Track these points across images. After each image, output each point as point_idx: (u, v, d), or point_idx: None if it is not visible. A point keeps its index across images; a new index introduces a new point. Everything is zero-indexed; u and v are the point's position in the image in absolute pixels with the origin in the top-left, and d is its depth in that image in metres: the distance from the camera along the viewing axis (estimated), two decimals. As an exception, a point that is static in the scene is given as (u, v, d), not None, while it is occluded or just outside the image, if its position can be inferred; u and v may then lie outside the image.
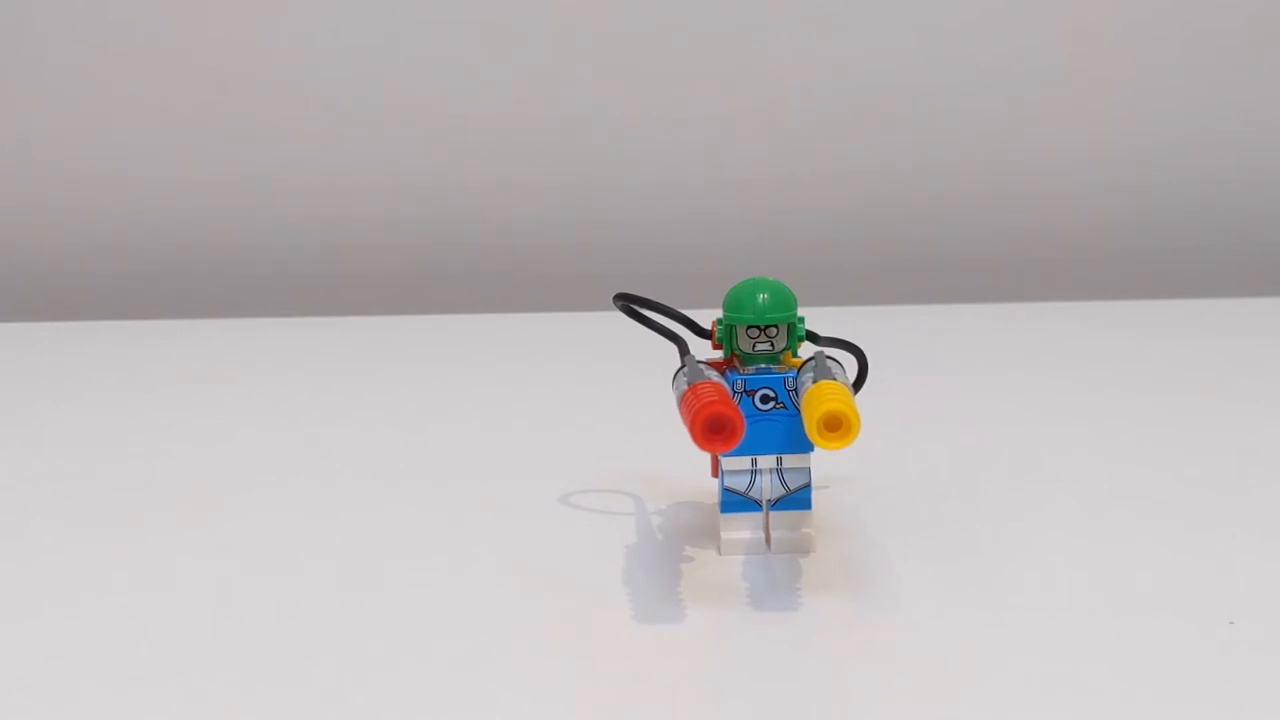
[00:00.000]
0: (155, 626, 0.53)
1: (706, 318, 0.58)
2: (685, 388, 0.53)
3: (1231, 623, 0.51)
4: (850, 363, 0.58)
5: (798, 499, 0.57)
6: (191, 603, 0.55)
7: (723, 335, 0.56)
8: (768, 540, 0.57)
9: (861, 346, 0.59)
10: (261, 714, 0.46)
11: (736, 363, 0.56)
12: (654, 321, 0.59)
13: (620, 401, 0.82)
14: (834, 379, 0.52)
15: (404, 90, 1.19)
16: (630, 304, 0.59)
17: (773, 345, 0.56)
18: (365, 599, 0.55)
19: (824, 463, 0.57)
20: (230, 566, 0.58)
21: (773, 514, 0.57)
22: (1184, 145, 1.20)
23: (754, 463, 0.56)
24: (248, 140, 1.20)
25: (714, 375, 0.54)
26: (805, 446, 0.56)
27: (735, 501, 0.57)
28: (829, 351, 0.56)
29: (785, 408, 0.56)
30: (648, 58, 1.19)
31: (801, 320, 0.56)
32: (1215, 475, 0.67)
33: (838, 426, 0.50)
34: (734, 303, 0.56)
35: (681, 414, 0.52)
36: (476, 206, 1.21)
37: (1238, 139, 1.20)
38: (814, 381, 0.52)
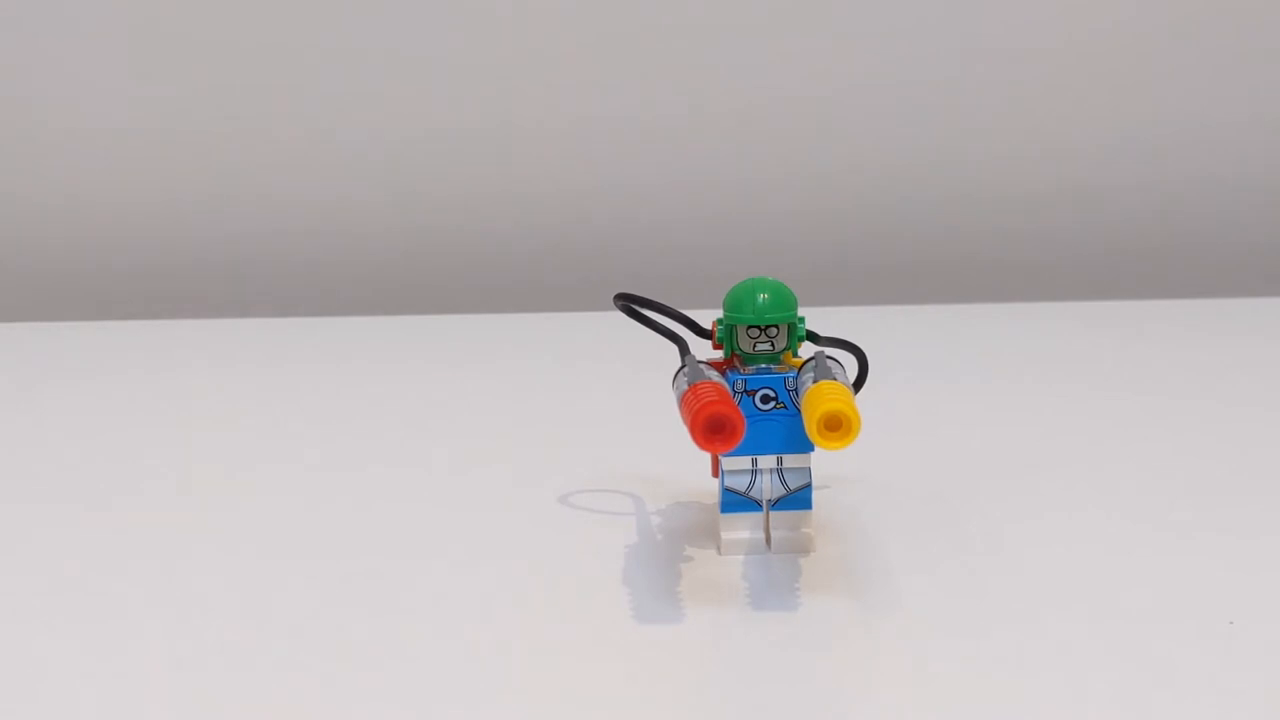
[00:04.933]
0: (148, 623, 0.53)
1: (707, 318, 0.58)
2: (685, 388, 0.53)
3: (1231, 623, 0.51)
4: (850, 363, 0.58)
5: (798, 499, 0.57)
6: (185, 599, 0.55)
7: (723, 335, 0.56)
8: (768, 540, 0.57)
9: (862, 346, 0.59)
10: (257, 713, 0.46)
11: (737, 363, 0.56)
12: (654, 321, 0.59)
13: (620, 401, 0.82)
14: (834, 379, 0.52)
15: (404, 89, 1.19)
16: (630, 304, 0.59)
17: (773, 345, 0.56)
18: (362, 599, 0.55)
19: (824, 463, 0.57)
20: (224, 566, 0.58)
21: (773, 514, 0.57)
22: (1184, 145, 1.20)
23: (754, 463, 0.56)
24: (249, 140, 1.20)
25: (714, 375, 0.54)
26: (805, 446, 0.56)
27: (735, 501, 0.57)
28: (829, 351, 0.56)
29: (785, 408, 0.56)
30: (647, 58, 1.19)
31: (802, 320, 0.56)
32: (1215, 475, 0.67)
33: (838, 426, 0.50)
34: (734, 303, 0.56)
35: (681, 414, 0.52)
36: (476, 206, 1.21)
37: (1238, 139, 1.20)
38: (814, 381, 0.52)
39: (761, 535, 0.57)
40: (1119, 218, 1.21)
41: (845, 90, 1.19)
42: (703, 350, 0.57)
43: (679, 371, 0.55)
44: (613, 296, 0.60)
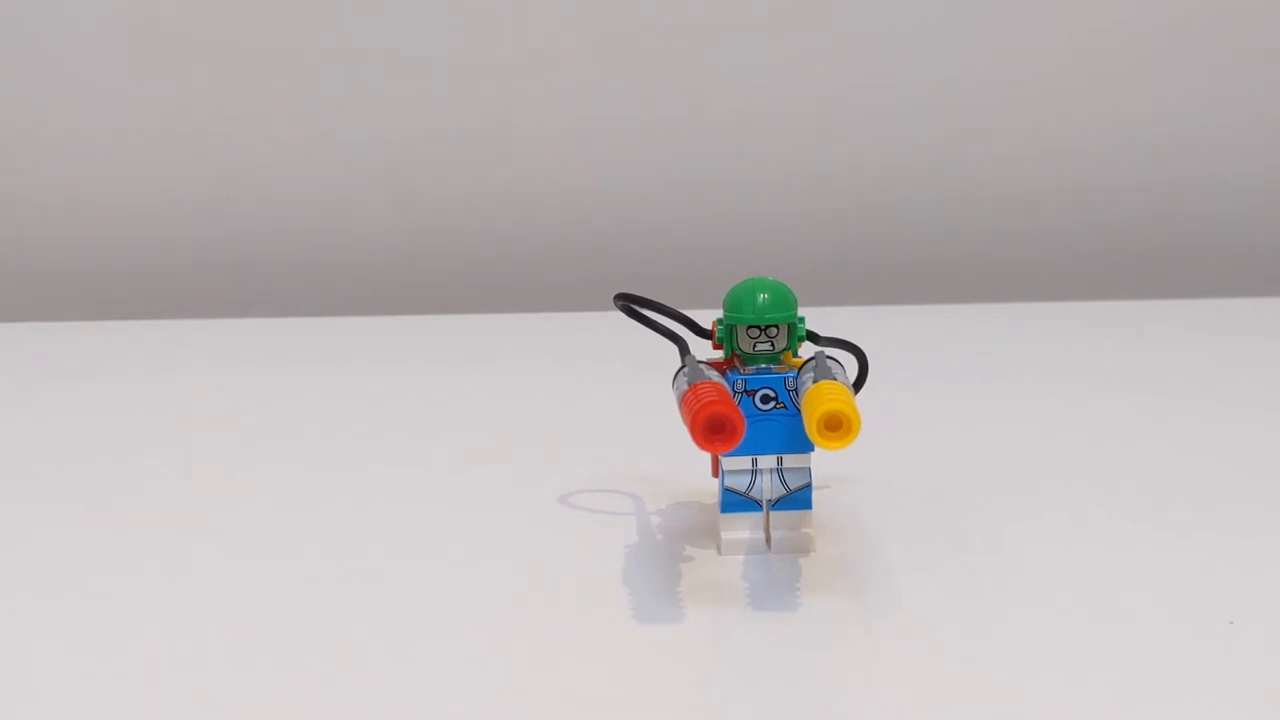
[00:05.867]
0: (148, 623, 0.53)
1: (707, 318, 0.58)
2: (685, 388, 0.53)
3: (1231, 623, 0.51)
4: (850, 363, 0.58)
5: (798, 499, 0.57)
6: (185, 599, 0.55)
7: (723, 335, 0.56)
8: (768, 540, 0.57)
9: (862, 346, 0.59)
10: (257, 713, 0.46)
11: (737, 363, 0.56)
12: (654, 321, 0.59)
13: (620, 401, 0.82)
14: (834, 379, 0.52)
15: (404, 89, 1.19)
16: (630, 304, 0.59)
17: (773, 345, 0.56)
18: (362, 599, 0.55)
19: (824, 463, 0.57)
20: (224, 566, 0.58)
21: (773, 514, 0.57)
22: (1184, 145, 1.20)
23: (754, 463, 0.56)
24: (249, 140, 1.20)
25: (714, 375, 0.54)
26: (805, 446, 0.56)
27: (735, 501, 0.57)
28: (829, 351, 0.56)
29: (785, 408, 0.56)
30: (647, 58, 1.19)
31: (802, 320, 0.56)
32: (1215, 475, 0.67)
33: (838, 426, 0.50)
34: (734, 303, 0.56)
35: (681, 414, 0.52)
36: (476, 206, 1.21)
37: (1238, 139, 1.20)
38: (814, 381, 0.52)
39: (761, 535, 0.57)
40: (1119, 218, 1.21)
41: (845, 90, 1.19)
42: (703, 350, 0.57)
43: (679, 371, 0.55)
44: (613, 296, 0.60)
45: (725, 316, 0.56)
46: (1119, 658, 0.48)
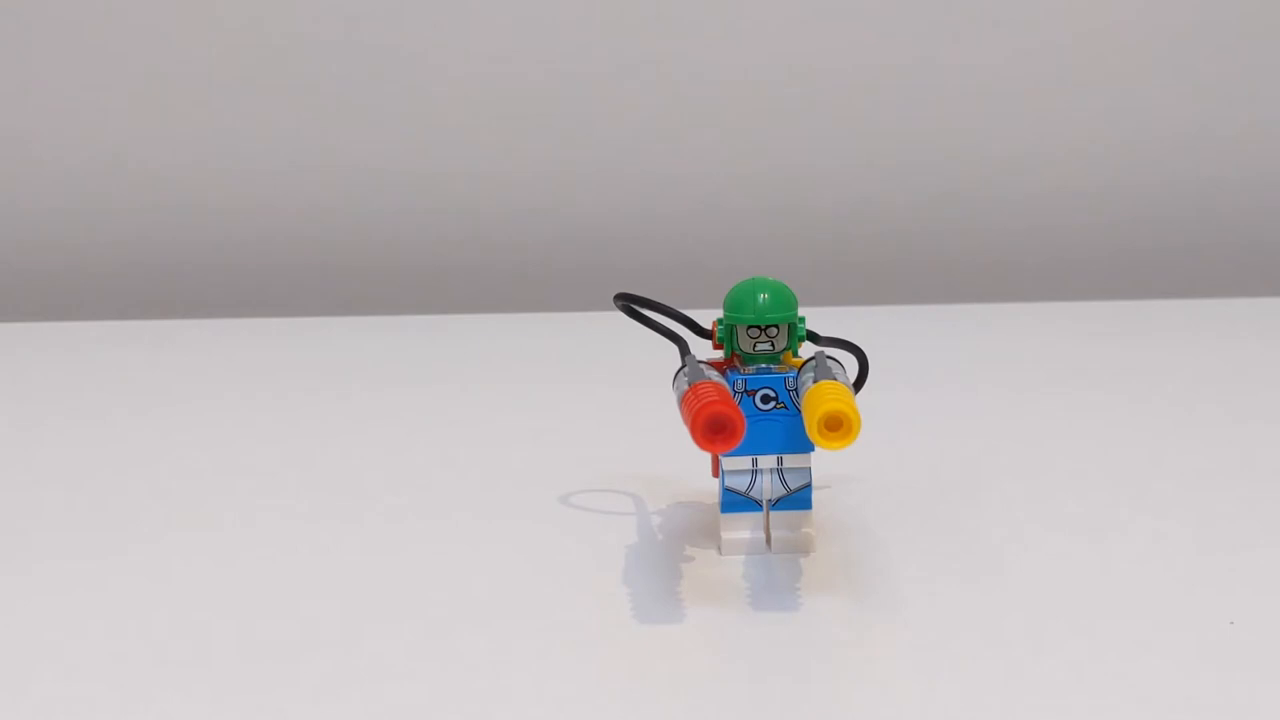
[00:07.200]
0: (148, 629, 0.53)
1: (707, 318, 0.58)
2: (685, 388, 0.53)
3: (1232, 623, 0.51)
4: (851, 363, 0.58)
5: (798, 499, 0.57)
6: (184, 606, 0.55)
7: (723, 335, 0.56)
8: (768, 540, 0.57)
9: (862, 346, 0.59)
10: (257, 713, 0.46)
11: (737, 362, 0.56)
12: (654, 321, 0.59)
13: (620, 401, 0.82)
14: (834, 379, 0.52)
15: (402, 88, 1.19)
16: (630, 304, 0.59)
17: (773, 345, 0.56)
18: (363, 601, 0.55)
19: (824, 463, 0.57)
20: (223, 567, 0.58)
21: (773, 514, 0.57)
22: (1185, 144, 1.20)
23: (754, 463, 0.56)
24: (247, 139, 1.20)
25: (714, 375, 0.54)
26: (806, 446, 0.56)
27: (735, 501, 0.57)
28: (829, 351, 0.56)
29: (786, 408, 0.56)
30: (647, 54, 1.19)
31: (802, 320, 0.56)
32: (1215, 475, 0.67)
33: (838, 426, 0.50)
34: (734, 303, 0.56)
35: (682, 414, 0.52)
36: (475, 206, 1.21)
37: (1239, 138, 1.20)
38: (814, 381, 0.52)
39: (762, 535, 0.57)
40: (1119, 218, 1.21)
41: (845, 90, 1.19)
42: (703, 350, 0.57)
43: (679, 371, 0.55)
44: (613, 296, 0.60)
45: (725, 316, 0.56)
46: (1119, 657, 0.48)
